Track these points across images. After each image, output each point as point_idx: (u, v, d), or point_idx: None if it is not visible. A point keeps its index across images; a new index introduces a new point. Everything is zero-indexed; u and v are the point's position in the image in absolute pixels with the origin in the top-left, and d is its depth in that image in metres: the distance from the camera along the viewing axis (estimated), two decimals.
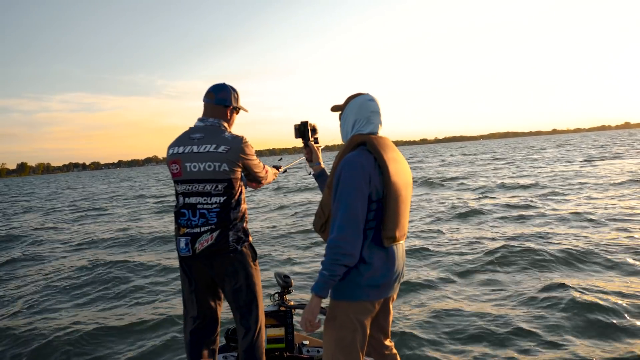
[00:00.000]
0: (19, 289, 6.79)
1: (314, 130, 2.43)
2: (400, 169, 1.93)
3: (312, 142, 2.41)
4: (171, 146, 2.32)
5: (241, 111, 2.49)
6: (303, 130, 2.41)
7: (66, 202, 24.12)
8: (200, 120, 2.35)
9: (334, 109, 2.13)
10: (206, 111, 2.35)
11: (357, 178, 1.80)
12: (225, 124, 2.35)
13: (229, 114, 2.38)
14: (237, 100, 2.41)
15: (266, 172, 2.48)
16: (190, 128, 2.34)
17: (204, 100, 2.37)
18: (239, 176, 2.28)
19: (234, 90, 2.40)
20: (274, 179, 2.62)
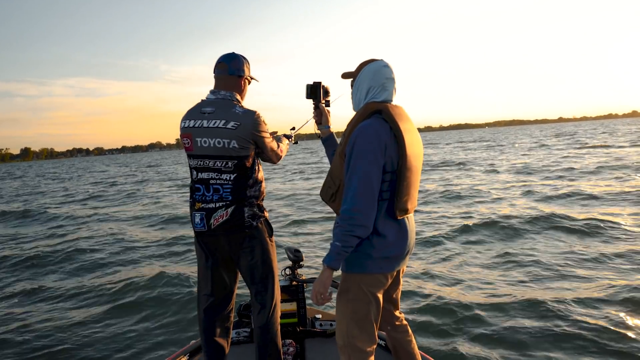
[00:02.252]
0: None
1: (326, 92, 2.32)
2: (414, 140, 1.88)
3: (323, 104, 2.30)
4: (183, 119, 2.24)
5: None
6: (315, 90, 2.29)
7: None
8: (212, 92, 2.24)
9: (345, 75, 2.05)
10: (218, 83, 2.24)
11: (372, 147, 1.74)
12: (238, 97, 2.25)
13: (242, 85, 2.28)
14: (249, 69, 2.32)
15: (280, 150, 2.37)
16: (202, 101, 2.25)
17: (214, 72, 2.26)
18: (251, 153, 2.19)
19: (246, 59, 2.31)
20: (287, 150, 2.50)
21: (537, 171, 15.89)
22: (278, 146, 2.35)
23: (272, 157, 2.34)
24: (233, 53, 2.29)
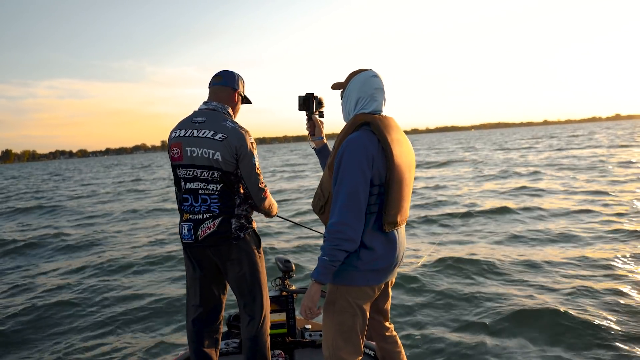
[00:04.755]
0: None
1: (319, 104, 2.31)
2: (404, 151, 1.88)
3: (317, 116, 2.30)
4: (174, 130, 2.26)
5: (244, 106, 2.43)
6: (307, 102, 2.28)
7: None
8: (204, 103, 2.28)
9: (336, 86, 2.04)
10: (211, 94, 2.29)
11: (359, 160, 1.74)
12: (230, 111, 2.28)
13: (235, 99, 2.31)
14: (244, 87, 2.36)
15: (265, 190, 2.28)
16: (194, 112, 2.28)
17: (210, 85, 2.31)
18: (233, 170, 2.18)
19: (242, 77, 2.37)
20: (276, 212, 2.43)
21: None
22: (264, 188, 2.27)
23: (253, 191, 2.23)
24: (231, 70, 2.34)
